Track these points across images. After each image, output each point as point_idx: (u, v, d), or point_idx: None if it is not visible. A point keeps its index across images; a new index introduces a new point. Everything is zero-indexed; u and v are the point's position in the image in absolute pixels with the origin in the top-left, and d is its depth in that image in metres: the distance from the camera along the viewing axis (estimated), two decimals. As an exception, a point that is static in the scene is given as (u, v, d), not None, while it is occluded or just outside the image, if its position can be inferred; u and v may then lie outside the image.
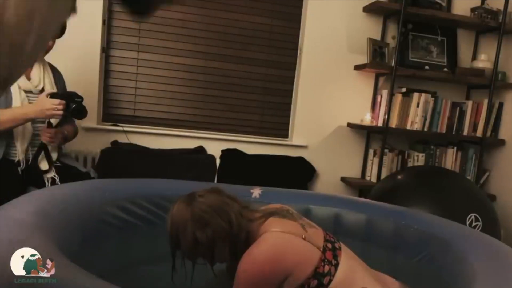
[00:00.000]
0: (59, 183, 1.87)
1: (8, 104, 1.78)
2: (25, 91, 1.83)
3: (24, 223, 1.09)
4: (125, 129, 2.76)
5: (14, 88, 1.80)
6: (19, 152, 1.83)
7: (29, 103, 1.84)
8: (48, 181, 1.88)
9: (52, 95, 1.79)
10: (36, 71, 1.89)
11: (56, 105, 1.75)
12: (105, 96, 2.80)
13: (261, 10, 2.92)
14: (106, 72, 2.78)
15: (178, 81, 2.87)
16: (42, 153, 1.89)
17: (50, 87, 1.92)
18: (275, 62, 2.98)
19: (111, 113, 2.82)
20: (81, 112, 1.84)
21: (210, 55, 2.89)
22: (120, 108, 2.84)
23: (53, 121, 1.90)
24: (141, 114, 2.86)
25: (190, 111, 2.92)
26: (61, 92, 1.92)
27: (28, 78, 1.86)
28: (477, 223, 2.09)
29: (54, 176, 1.89)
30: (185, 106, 2.91)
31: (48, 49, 1.86)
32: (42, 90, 1.88)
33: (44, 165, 1.90)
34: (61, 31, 1.86)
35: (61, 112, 1.78)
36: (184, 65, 2.87)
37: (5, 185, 1.67)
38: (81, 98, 1.84)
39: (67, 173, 1.92)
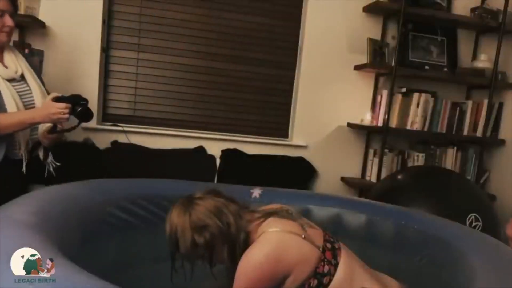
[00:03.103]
0: (57, 179, 1.86)
1: None
2: (8, 80, 1.79)
3: (24, 223, 1.09)
4: (125, 129, 2.75)
5: None
6: (21, 147, 1.83)
7: (17, 93, 1.80)
8: (50, 166, 1.88)
9: (57, 99, 1.78)
10: (9, 57, 1.84)
11: (62, 109, 1.74)
12: (105, 96, 2.80)
13: (261, 10, 2.92)
14: (106, 72, 2.78)
15: (178, 81, 2.87)
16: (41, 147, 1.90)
17: (28, 71, 1.88)
18: (275, 62, 2.98)
19: (111, 113, 2.82)
20: (87, 115, 1.83)
21: (210, 55, 2.89)
22: (120, 108, 2.84)
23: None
24: (141, 114, 2.86)
25: (190, 111, 2.92)
26: (66, 96, 1.91)
27: (5, 66, 1.81)
28: (477, 223, 2.09)
29: (52, 161, 1.89)
30: (185, 106, 2.91)
31: (11, 31, 1.82)
32: (23, 76, 1.85)
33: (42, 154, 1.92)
34: None
35: (67, 116, 1.76)
36: (184, 65, 2.86)
37: (7, 185, 1.67)
38: (86, 100, 1.83)
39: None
